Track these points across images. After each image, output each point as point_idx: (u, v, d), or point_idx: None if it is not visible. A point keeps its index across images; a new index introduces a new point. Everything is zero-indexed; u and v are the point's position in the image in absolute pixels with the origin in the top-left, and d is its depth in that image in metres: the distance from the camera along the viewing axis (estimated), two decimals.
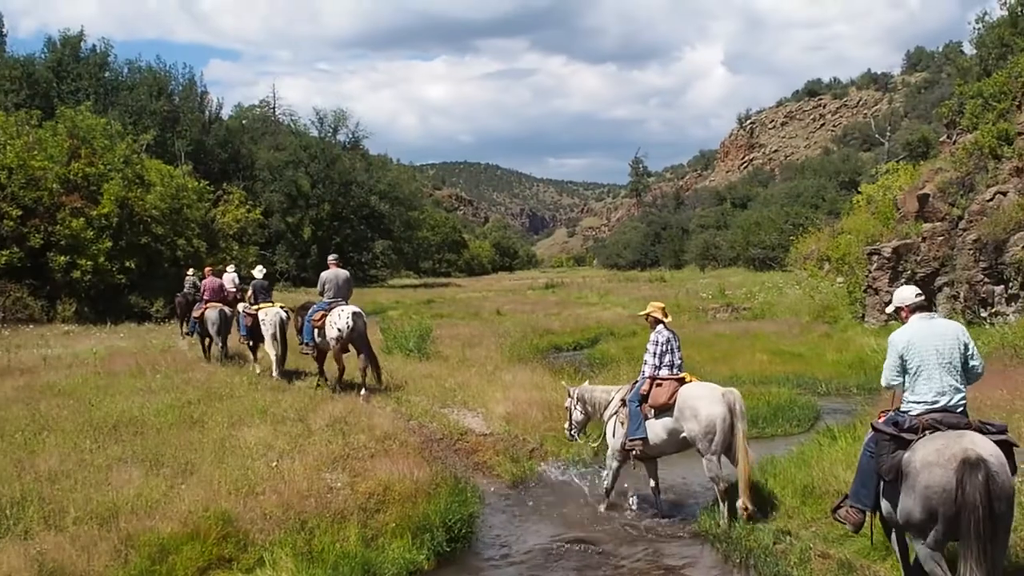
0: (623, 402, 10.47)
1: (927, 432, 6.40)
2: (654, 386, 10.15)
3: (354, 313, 15.48)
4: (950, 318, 21.13)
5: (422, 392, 16.00)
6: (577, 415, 11.28)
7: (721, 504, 9.63)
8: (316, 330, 15.86)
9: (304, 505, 8.89)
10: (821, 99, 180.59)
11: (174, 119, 66.62)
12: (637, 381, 10.44)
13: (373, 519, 9.03)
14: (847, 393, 17.47)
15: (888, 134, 79.37)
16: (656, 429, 10.07)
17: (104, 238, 32.31)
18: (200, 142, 67.87)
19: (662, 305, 10.95)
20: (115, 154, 35.47)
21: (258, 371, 18.17)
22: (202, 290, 21.12)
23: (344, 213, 79.69)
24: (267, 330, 17.76)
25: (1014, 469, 6.21)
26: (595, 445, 11.84)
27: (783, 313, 30.70)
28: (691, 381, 10.20)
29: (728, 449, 9.68)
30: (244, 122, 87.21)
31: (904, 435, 6.45)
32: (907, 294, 7.12)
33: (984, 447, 6.08)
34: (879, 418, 6.93)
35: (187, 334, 23.18)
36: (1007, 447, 6.26)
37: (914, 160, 40.67)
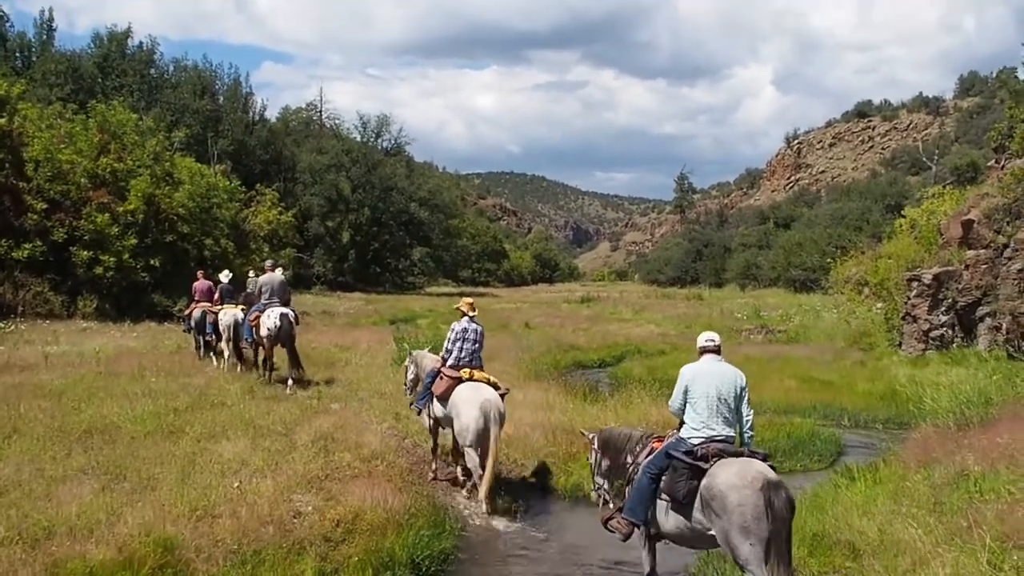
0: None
1: (715, 460, 7.09)
2: (439, 377, 11.60)
3: (281, 314, 17.06)
4: (990, 351, 20.54)
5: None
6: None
7: (472, 483, 11.13)
8: (253, 328, 17.68)
9: (262, 532, 8.15)
10: (871, 121, 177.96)
11: (216, 118, 66.62)
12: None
13: (336, 551, 8.22)
14: (874, 427, 16.47)
15: (936, 158, 77.71)
16: (438, 408, 11.59)
17: (129, 235, 31.86)
18: (242, 142, 67.87)
19: (471, 301, 12.16)
20: (145, 150, 35.09)
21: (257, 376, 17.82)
22: (193, 291, 21.93)
23: (383, 219, 79.16)
24: (223, 331, 19.15)
25: None
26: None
27: (818, 337, 29.63)
28: (469, 378, 11.35)
29: (483, 445, 10.82)
30: (290, 124, 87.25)
31: (699, 463, 7.10)
32: (704, 337, 7.99)
33: (772, 472, 6.96)
34: (655, 445, 7.90)
35: (185, 331, 23.08)
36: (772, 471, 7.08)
37: (961, 185, 39.38)
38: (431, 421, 12.01)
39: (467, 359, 11.60)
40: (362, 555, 8.04)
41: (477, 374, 11.52)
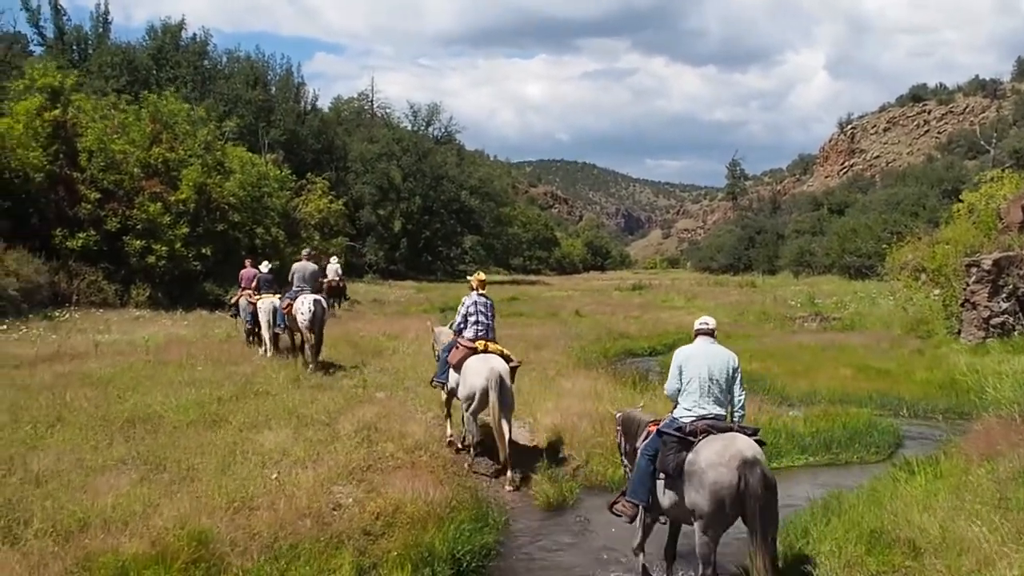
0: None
1: (703, 436, 7.36)
2: (455, 347, 12.01)
3: (315, 300, 17.67)
4: None
5: None
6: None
7: (473, 450, 11.76)
8: (286, 315, 18.33)
9: (299, 526, 7.96)
10: (926, 105, 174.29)
11: (268, 108, 67.00)
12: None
13: (375, 545, 8.00)
14: (933, 417, 15.92)
15: (995, 141, 75.86)
16: (453, 379, 11.95)
17: (181, 224, 32.02)
18: (294, 132, 68.25)
19: (482, 278, 12.47)
20: (196, 140, 35.26)
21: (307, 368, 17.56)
22: (240, 278, 22.57)
23: (434, 207, 79.17)
24: (262, 317, 19.53)
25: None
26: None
27: (874, 325, 28.95)
28: (484, 349, 11.68)
29: (487, 410, 11.24)
30: (342, 114, 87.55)
31: (688, 437, 7.41)
32: (700, 320, 8.23)
33: (752, 447, 7.16)
34: (651, 428, 8.02)
35: (232, 316, 23.63)
36: (760, 444, 7.43)
37: (1021, 168, 38.31)
38: (446, 393, 12.58)
39: (483, 332, 11.92)
40: (401, 550, 7.79)
41: (491, 346, 11.85)
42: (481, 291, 12.18)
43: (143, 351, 18.69)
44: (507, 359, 11.83)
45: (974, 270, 22.49)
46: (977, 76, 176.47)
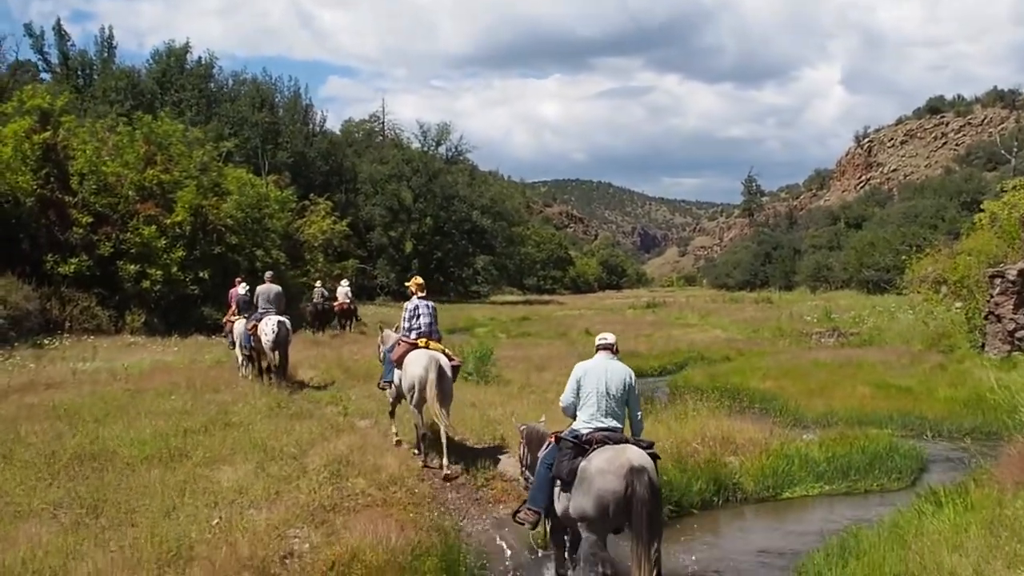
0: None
1: (597, 445, 7.55)
2: (397, 344, 12.47)
3: (279, 322, 17.71)
4: None
5: (461, 424, 13.84)
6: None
7: (421, 444, 12.13)
8: (251, 336, 18.36)
9: None
10: (943, 117, 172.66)
11: (275, 131, 66.43)
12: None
13: None
14: (959, 439, 14.81)
15: (1016, 151, 74.55)
16: (398, 376, 12.25)
17: (177, 247, 31.19)
18: (302, 154, 67.65)
19: (420, 282, 12.88)
20: (192, 161, 34.47)
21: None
22: (229, 298, 22.18)
23: (446, 228, 78.50)
24: (236, 339, 19.72)
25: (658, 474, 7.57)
26: None
27: (893, 340, 27.81)
28: (424, 346, 11.97)
29: (424, 403, 11.68)
30: (358, 135, 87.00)
31: (583, 445, 7.61)
32: (600, 336, 8.57)
33: (642, 458, 7.32)
34: (551, 439, 8.12)
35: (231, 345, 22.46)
36: (654, 458, 7.61)
37: None
38: (393, 394, 12.91)
39: (425, 331, 12.24)
40: None
41: (433, 344, 12.16)
42: (421, 295, 12.61)
43: (123, 379, 17.77)
44: (448, 357, 12.16)
45: (998, 281, 21.50)
46: (995, 87, 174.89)
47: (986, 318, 22.16)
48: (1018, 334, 20.92)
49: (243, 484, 9.50)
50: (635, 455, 7.32)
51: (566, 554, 8.38)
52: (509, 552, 9.32)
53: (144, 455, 10.62)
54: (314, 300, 34.09)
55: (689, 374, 23.23)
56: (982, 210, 29.77)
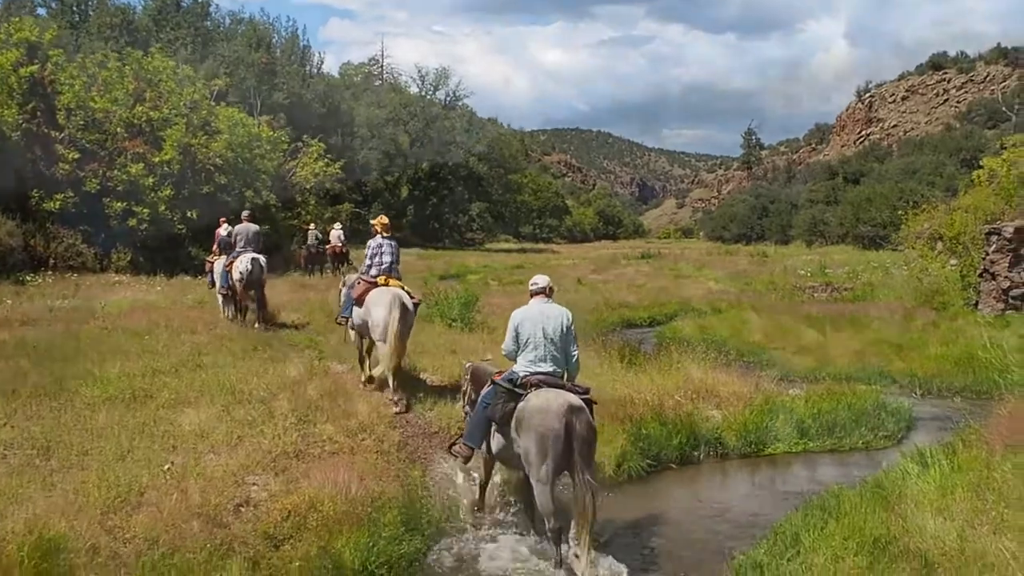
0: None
1: (534, 388, 7.66)
2: (357, 283, 12.58)
3: (252, 259, 17.42)
4: None
5: (439, 370, 13.59)
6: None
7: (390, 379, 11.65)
8: (227, 274, 18.03)
9: (185, 528, 6.63)
10: (946, 73, 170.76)
11: (271, 71, 65.40)
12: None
13: (277, 553, 6.70)
14: (948, 397, 14.50)
15: (1017, 108, 73.73)
16: (357, 314, 12.33)
17: (165, 186, 30.66)
18: (298, 96, 66.55)
19: (385, 222, 12.94)
20: (181, 98, 33.81)
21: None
22: (216, 238, 21.40)
23: (442, 173, 77.72)
24: (217, 279, 19.33)
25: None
26: None
27: (886, 296, 27.40)
28: (385, 284, 12.11)
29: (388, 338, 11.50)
30: (356, 79, 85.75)
31: (517, 390, 7.77)
32: (533, 280, 8.46)
33: (577, 400, 7.49)
34: (495, 378, 8.14)
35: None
36: (590, 404, 7.75)
37: None
38: (355, 334, 12.90)
39: (385, 269, 12.37)
40: (304, 560, 6.45)
41: (392, 281, 12.28)
42: (386, 235, 12.69)
43: (101, 318, 17.42)
44: (409, 295, 12.21)
45: (994, 238, 21.13)
46: (999, 44, 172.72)
47: (981, 276, 21.81)
48: (1013, 292, 20.60)
49: (205, 428, 9.19)
50: (572, 397, 7.50)
51: (529, 514, 8.39)
52: (468, 512, 8.93)
53: (107, 395, 10.30)
54: (308, 243, 34.32)
55: (678, 325, 22.89)
56: (981, 166, 29.33)
